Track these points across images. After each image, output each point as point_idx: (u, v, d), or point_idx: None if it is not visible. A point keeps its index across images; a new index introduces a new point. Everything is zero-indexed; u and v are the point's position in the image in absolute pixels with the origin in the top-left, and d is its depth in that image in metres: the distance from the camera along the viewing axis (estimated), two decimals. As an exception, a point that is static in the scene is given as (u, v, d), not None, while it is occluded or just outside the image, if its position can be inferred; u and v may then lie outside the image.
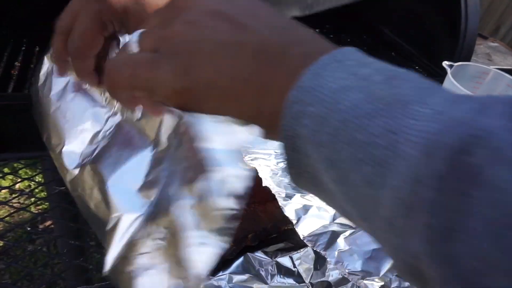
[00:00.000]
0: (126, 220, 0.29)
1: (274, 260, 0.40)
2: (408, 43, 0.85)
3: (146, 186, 0.30)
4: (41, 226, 1.16)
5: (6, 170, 0.53)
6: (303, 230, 0.40)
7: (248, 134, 0.23)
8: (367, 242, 0.38)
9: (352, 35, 0.89)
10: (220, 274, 0.39)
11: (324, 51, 0.20)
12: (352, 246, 0.38)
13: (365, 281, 0.35)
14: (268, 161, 0.49)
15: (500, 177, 0.14)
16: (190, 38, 0.22)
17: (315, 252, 0.40)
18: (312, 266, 0.40)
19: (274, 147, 0.50)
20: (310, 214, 0.41)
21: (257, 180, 0.44)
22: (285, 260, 0.40)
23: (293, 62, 0.20)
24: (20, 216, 1.14)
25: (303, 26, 0.23)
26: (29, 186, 1.29)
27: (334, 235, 0.40)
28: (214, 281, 0.38)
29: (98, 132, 0.35)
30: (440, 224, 0.15)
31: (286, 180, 0.46)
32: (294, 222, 0.40)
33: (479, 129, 0.15)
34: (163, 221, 0.27)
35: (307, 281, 0.39)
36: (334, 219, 0.42)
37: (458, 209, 0.15)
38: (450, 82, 0.57)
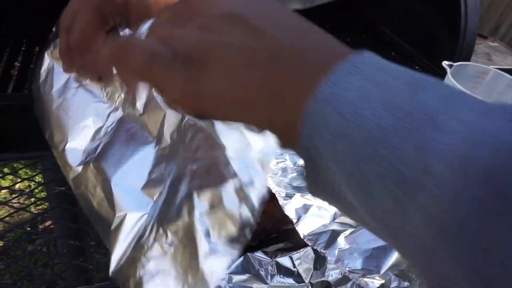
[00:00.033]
0: (131, 219, 0.29)
1: (274, 260, 0.40)
2: (408, 43, 0.85)
3: (150, 184, 0.30)
4: (41, 226, 1.16)
5: (6, 170, 0.53)
6: (303, 229, 0.40)
7: (264, 144, 0.22)
8: (368, 241, 0.38)
9: (352, 35, 0.89)
10: (220, 274, 0.39)
11: (341, 56, 0.19)
12: (352, 245, 0.38)
13: (365, 279, 0.35)
14: (268, 161, 0.48)
15: None
16: (203, 45, 0.21)
17: (315, 252, 0.40)
18: (312, 266, 0.40)
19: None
20: (310, 213, 0.42)
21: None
22: (285, 260, 0.40)
23: (310, 70, 0.19)
24: (20, 216, 1.14)
25: (315, 26, 0.22)
26: (29, 186, 1.29)
27: (335, 234, 0.40)
28: (214, 281, 0.38)
29: (100, 128, 0.35)
30: (476, 246, 0.14)
31: (286, 180, 0.46)
32: (294, 221, 0.40)
33: None
34: (171, 227, 0.26)
35: (306, 281, 0.39)
36: (334, 218, 0.42)
37: (495, 231, 0.14)
38: (450, 82, 0.57)
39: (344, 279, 0.38)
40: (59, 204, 0.51)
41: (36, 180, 0.62)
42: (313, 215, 0.41)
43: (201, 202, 0.25)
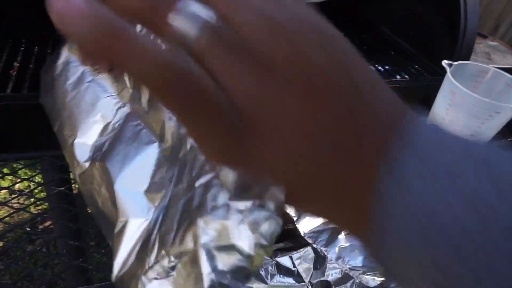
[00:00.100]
0: (133, 225, 0.28)
1: (274, 259, 0.40)
2: (407, 42, 0.85)
3: (152, 188, 0.29)
4: (40, 227, 1.16)
5: (5, 170, 0.53)
6: (304, 227, 0.40)
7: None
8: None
9: (352, 34, 0.89)
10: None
11: (399, 127, 0.16)
12: (353, 242, 0.38)
13: (366, 276, 0.35)
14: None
15: None
16: (260, 100, 0.16)
17: (315, 251, 0.40)
18: (311, 266, 0.40)
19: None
20: (310, 212, 0.42)
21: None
22: (284, 260, 0.40)
23: (367, 155, 0.16)
24: (20, 217, 1.14)
25: (362, 64, 0.18)
26: (29, 186, 1.29)
27: (335, 232, 0.40)
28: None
29: (108, 124, 0.35)
30: None
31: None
32: (294, 219, 0.40)
33: None
34: (173, 250, 0.25)
35: (306, 280, 0.39)
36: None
37: None
38: (450, 81, 0.57)
39: (344, 278, 0.38)
40: (58, 204, 0.51)
41: (36, 180, 0.61)
42: (313, 214, 0.41)
43: (208, 231, 0.25)
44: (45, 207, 1.20)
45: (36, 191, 1.19)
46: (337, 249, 0.38)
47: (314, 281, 0.39)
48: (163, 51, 0.15)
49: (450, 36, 0.73)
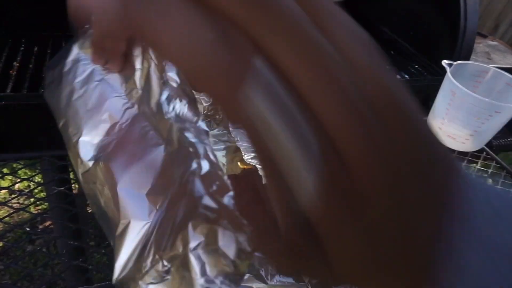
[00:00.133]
0: (134, 228, 0.28)
1: (274, 259, 0.40)
2: (408, 42, 0.85)
3: (154, 190, 0.29)
4: (40, 227, 1.16)
5: (5, 170, 0.53)
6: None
7: None
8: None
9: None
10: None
11: None
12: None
13: None
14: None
15: None
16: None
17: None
18: None
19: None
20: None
21: (257, 178, 0.44)
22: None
23: None
24: (20, 217, 1.14)
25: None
26: (29, 186, 1.29)
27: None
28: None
29: (115, 124, 0.34)
30: None
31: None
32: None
33: None
34: (166, 254, 0.26)
35: (306, 280, 0.39)
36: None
37: None
38: (450, 81, 0.57)
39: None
40: (58, 204, 0.51)
41: (36, 180, 0.61)
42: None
43: (196, 235, 0.25)
44: (45, 207, 1.20)
45: (36, 191, 1.19)
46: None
47: (313, 281, 0.39)
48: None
49: (450, 36, 0.73)
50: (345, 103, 0.12)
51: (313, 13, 0.13)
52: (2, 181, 1.19)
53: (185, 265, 0.25)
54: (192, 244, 0.25)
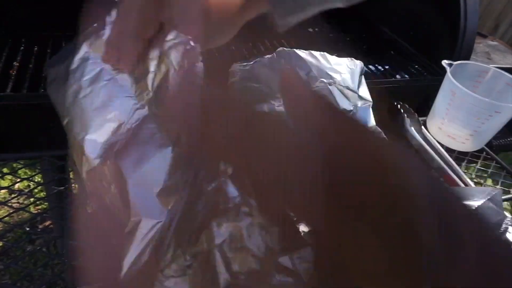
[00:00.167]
0: (145, 226, 0.28)
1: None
2: (408, 42, 0.85)
3: (165, 191, 0.30)
4: (40, 226, 1.16)
5: (5, 170, 0.53)
6: (304, 227, 0.40)
7: None
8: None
9: (352, 34, 0.89)
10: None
11: None
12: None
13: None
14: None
15: None
16: None
17: (315, 251, 0.40)
18: (312, 266, 0.40)
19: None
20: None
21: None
22: (284, 260, 0.40)
23: None
24: (20, 216, 1.14)
25: None
26: (28, 186, 1.29)
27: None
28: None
29: (123, 124, 0.34)
30: None
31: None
32: (294, 219, 0.40)
33: None
34: (189, 250, 0.26)
35: (306, 280, 0.39)
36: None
37: None
38: (450, 81, 0.57)
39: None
40: (58, 204, 0.51)
41: (36, 180, 0.61)
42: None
43: (221, 232, 0.26)
44: (45, 206, 1.20)
45: (35, 190, 1.19)
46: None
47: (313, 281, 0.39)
48: None
49: (450, 36, 0.73)
50: None
51: None
52: (2, 181, 1.19)
53: (209, 261, 0.26)
54: (217, 241, 0.26)
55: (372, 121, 0.58)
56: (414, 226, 0.14)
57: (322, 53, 0.61)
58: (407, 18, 0.87)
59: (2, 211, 1.08)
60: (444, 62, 0.59)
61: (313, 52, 0.60)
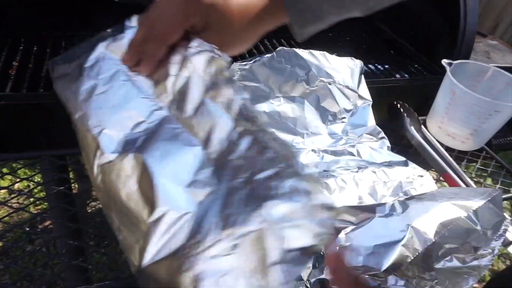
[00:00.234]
0: (172, 215, 0.29)
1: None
2: (407, 41, 0.85)
3: (194, 185, 0.31)
4: (40, 226, 1.16)
5: (5, 170, 0.53)
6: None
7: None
8: (369, 238, 0.38)
9: (352, 33, 0.89)
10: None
11: None
12: (353, 242, 0.37)
13: (366, 276, 0.35)
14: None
15: None
16: None
17: (315, 250, 0.40)
18: (310, 264, 0.40)
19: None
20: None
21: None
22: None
23: None
24: (19, 216, 1.14)
25: None
26: (28, 186, 1.29)
27: (335, 231, 0.40)
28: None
29: (141, 122, 0.36)
30: None
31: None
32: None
33: None
34: (237, 231, 0.28)
35: (305, 278, 0.39)
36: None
37: None
38: (450, 80, 0.57)
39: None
40: (58, 204, 0.51)
41: (35, 180, 0.61)
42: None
43: (273, 213, 0.28)
44: (45, 206, 1.20)
45: (35, 190, 1.19)
46: (337, 248, 0.38)
47: (312, 280, 0.39)
48: None
49: (449, 35, 0.73)
50: None
51: None
52: (2, 181, 1.19)
53: (259, 239, 0.27)
54: (270, 219, 0.27)
55: (372, 121, 0.58)
56: None
57: (322, 52, 0.61)
58: (407, 17, 0.87)
59: (2, 211, 1.08)
60: (444, 61, 0.59)
61: (313, 51, 0.60)
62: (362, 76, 0.61)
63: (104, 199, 0.35)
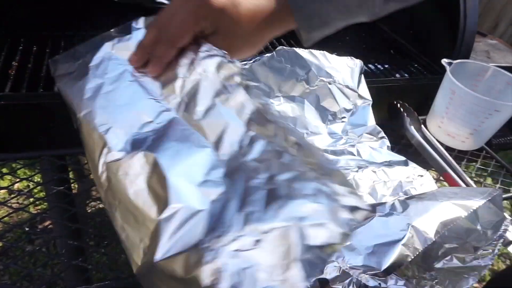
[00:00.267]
0: (185, 212, 0.30)
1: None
2: (407, 41, 0.85)
3: (206, 184, 0.31)
4: (40, 226, 1.16)
5: (4, 170, 0.53)
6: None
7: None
8: (369, 238, 0.38)
9: (351, 33, 0.89)
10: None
11: None
12: (353, 241, 0.37)
13: (366, 275, 0.35)
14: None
15: None
16: None
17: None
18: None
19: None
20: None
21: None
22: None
23: None
24: (19, 217, 1.14)
25: None
26: (28, 186, 1.29)
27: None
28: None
29: (149, 123, 0.36)
30: None
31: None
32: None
33: None
34: (261, 227, 0.29)
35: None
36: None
37: None
38: (449, 80, 0.57)
39: (342, 276, 0.38)
40: (58, 204, 0.51)
41: (35, 180, 0.61)
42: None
43: (297, 212, 0.29)
44: (45, 206, 1.20)
45: (35, 190, 1.19)
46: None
47: (312, 280, 0.39)
48: None
49: (449, 34, 0.73)
50: None
51: None
52: (1, 181, 1.19)
53: (283, 236, 0.28)
54: (295, 217, 0.28)
55: (372, 120, 0.58)
56: None
57: (322, 52, 0.61)
58: (406, 16, 0.87)
59: (1, 211, 1.08)
60: (444, 61, 0.59)
61: (312, 51, 0.60)
62: (362, 75, 0.61)
63: (107, 197, 0.35)
